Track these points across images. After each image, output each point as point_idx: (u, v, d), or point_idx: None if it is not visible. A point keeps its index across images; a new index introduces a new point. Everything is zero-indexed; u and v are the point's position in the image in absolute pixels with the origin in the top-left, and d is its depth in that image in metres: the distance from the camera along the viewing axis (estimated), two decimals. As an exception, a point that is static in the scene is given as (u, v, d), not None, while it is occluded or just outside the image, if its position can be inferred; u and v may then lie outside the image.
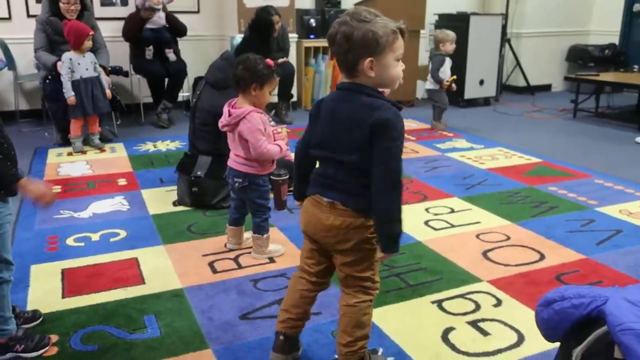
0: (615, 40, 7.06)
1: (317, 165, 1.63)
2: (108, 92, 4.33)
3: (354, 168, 1.49)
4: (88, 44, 4.15)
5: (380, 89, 1.52)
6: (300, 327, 1.75)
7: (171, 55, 5.08)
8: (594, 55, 6.91)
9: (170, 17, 5.14)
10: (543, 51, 7.18)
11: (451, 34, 4.96)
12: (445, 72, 4.96)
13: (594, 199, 3.26)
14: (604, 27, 7.23)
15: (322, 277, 1.69)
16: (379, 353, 1.82)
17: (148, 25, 5.01)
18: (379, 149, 1.44)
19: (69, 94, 4.10)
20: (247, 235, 2.62)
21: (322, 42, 5.97)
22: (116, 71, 4.84)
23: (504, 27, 6.37)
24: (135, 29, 5.02)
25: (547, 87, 7.39)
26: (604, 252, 2.55)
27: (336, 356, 1.71)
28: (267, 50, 3.04)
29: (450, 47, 4.95)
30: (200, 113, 3.08)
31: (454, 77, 4.97)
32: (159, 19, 5.03)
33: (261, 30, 2.95)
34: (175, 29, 5.19)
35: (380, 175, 1.44)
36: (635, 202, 3.20)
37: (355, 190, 1.50)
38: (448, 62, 4.98)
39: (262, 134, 2.30)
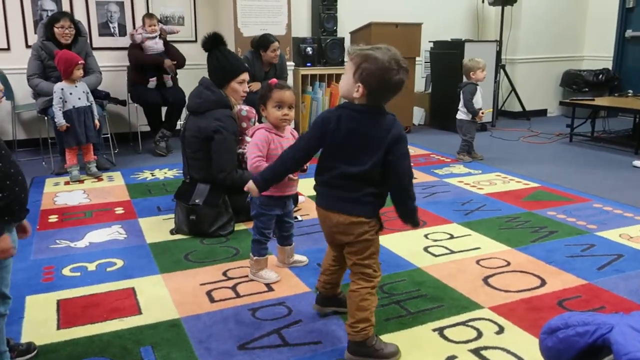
0: (609, 65, 7.15)
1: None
2: (96, 122, 4.33)
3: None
4: (78, 72, 4.16)
5: None
6: (333, 289, 2.16)
7: (168, 82, 5.12)
8: (588, 80, 6.99)
9: (169, 47, 5.20)
10: (537, 77, 7.26)
11: (481, 62, 4.80)
12: (478, 102, 4.80)
13: (593, 223, 3.25)
14: (597, 52, 7.32)
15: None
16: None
17: (148, 52, 5.08)
18: None
19: (61, 122, 4.11)
20: (297, 257, 2.68)
21: (319, 70, 6.03)
22: (101, 97, 4.86)
23: (499, 54, 6.45)
24: (138, 58, 5.13)
25: (542, 112, 7.44)
26: (605, 277, 2.52)
27: None
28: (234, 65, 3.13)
29: (481, 75, 4.79)
30: (188, 142, 3.11)
31: (490, 109, 4.84)
32: (156, 44, 5.09)
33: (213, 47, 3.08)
34: (176, 60, 5.25)
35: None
36: (635, 226, 3.19)
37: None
38: (479, 91, 4.83)
39: (258, 148, 2.39)
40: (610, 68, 7.12)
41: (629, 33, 6.98)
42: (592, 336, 1.27)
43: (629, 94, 6.10)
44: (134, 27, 5.44)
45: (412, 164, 1.84)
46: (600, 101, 5.80)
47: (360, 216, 1.82)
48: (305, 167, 2.37)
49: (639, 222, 3.26)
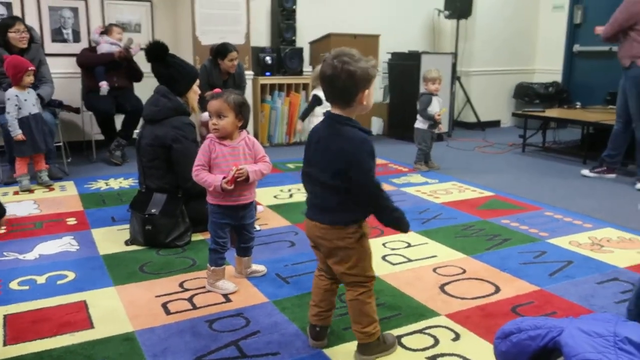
0: (558, 78, 7.43)
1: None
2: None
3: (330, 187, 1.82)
4: (28, 79, 4.03)
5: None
6: (330, 316, 2.03)
7: (104, 88, 4.97)
8: (539, 93, 7.23)
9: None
10: (491, 88, 7.47)
11: (430, 74, 4.82)
12: (434, 112, 4.83)
13: (544, 230, 3.35)
14: (547, 66, 7.59)
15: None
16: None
17: (100, 51, 5.03)
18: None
19: (16, 132, 3.97)
20: (255, 268, 2.66)
21: (278, 80, 6.03)
22: (54, 105, 4.74)
23: (454, 66, 6.60)
24: (87, 58, 5.05)
25: (496, 123, 7.65)
26: (556, 283, 2.60)
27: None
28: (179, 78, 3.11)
29: (432, 87, 4.80)
30: (144, 151, 3.05)
31: (445, 109, 4.92)
32: (110, 48, 5.01)
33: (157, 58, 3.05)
34: (132, 72, 5.18)
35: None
36: (584, 234, 3.30)
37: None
38: (436, 101, 4.85)
39: (198, 158, 2.40)
40: (560, 81, 7.39)
41: (576, 48, 7.27)
42: (543, 339, 1.30)
43: (577, 106, 6.34)
44: (89, 34, 5.34)
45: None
46: (550, 113, 6.01)
47: (336, 226, 1.84)
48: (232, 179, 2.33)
49: (587, 230, 3.38)
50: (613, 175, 4.71)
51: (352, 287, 1.90)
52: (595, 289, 2.55)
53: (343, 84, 1.75)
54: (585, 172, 4.83)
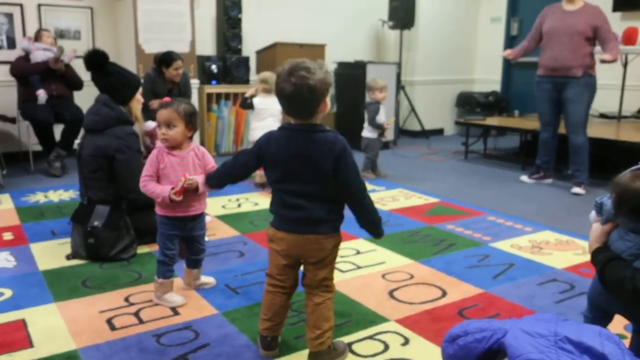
0: (498, 87, 7.71)
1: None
2: None
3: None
4: None
5: None
6: (281, 327, 2.04)
7: (42, 97, 4.79)
8: (480, 102, 7.48)
9: (67, 68, 4.97)
10: (435, 97, 7.67)
11: (379, 83, 4.92)
12: (381, 120, 4.94)
13: (488, 235, 3.45)
14: (487, 75, 7.88)
15: (293, 286, 2.00)
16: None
17: (35, 60, 4.84)
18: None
19: None
20: (204, 279, 2.61)
21: (225, 88, 5.98)
22: None
23: (399, 75, 6.74)
24: (19, 67, 4.86)
25: (440, 131, 7.86)
26: (499, 286, 2.69)
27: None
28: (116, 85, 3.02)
29: (379, 95, 4.91)
30: (85, 161, 2.96)
31: (394, 118, 5.00)
32: (44, 54, 4.83)
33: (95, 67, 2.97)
34: (71, 81, 5.01)
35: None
36: (524, 237, 3.43)
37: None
38: (383, 109, 4.97)
39: (146, 168, 2.35)
40: (499, 90, 7.68)
41: (513, 58, 7.56)
42: (489, 341, 1.34)
43: (516, 114, 6.60)
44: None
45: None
46: (490, 121, 6.23)
47: (328, 233, 1.89)
48: (178, 193, 2.29)
49: (527, 233, 3.51)
50: (549, 181, 4.92)
51: (322, 292, 1.94)
52: (536, 290, 2.65)
53: (305, 100, 1.75)
54: (524, 178, 5.02)
